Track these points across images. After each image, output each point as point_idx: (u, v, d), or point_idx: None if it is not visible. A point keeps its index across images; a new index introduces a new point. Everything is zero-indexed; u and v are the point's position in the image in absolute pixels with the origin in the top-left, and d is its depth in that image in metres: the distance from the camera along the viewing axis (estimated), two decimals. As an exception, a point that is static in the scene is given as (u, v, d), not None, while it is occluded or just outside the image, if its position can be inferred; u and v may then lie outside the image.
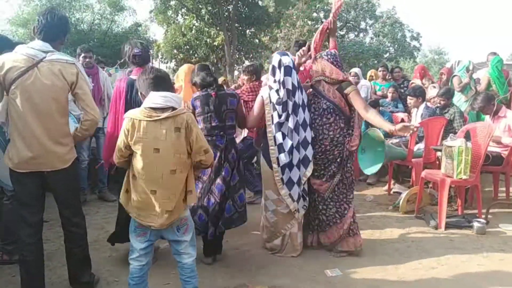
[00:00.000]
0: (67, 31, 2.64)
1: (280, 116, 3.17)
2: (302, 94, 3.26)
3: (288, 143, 3.16)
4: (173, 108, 2.22)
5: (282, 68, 3.18)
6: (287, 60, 3.21)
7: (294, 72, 3.22)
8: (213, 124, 3.10)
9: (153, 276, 2.87)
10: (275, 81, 3.21)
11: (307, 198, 3.35)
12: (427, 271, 3.10)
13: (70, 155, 2.59)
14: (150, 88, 2.28)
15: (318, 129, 3.33)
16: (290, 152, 3.17)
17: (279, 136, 3.18)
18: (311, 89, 3.46)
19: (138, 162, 2.21)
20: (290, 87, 3.17)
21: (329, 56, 3.37)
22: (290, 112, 3.17)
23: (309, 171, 3.27)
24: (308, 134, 3.25)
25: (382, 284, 2.91)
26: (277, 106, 3.17)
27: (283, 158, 3.17)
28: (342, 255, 3.35)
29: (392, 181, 5.42)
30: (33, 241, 2.53)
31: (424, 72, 7.33)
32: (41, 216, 2.61)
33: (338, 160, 3.32)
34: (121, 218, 3.07)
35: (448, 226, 3.93)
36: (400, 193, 4.88)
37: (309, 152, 3.25)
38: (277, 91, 3.18)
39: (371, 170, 4.80)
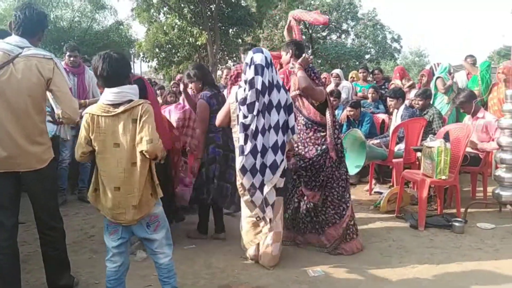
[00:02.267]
0: (45, 27, 2.56)
1: (245, 117, 2.90)
2: (280, 93, 2.98)
3: (248, 146, 2.86)
4: (130, 100, 2.20)
5: (252, 67, 2.90)
6: (259, 58, 2.92)
7: (266, 70, 2.92)
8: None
9: (134, 278, 2.83)
10: (243, 80, 2.99)
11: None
12: (408, 270, 3.13)
13: (47, 155, 2.51)
14: (104, 86, 2.23)
15: (303, 142, 3.44)
16: (254, 155, 2.87)
17: (241, 137, 2.90)
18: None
19: (100, 159, 2.20)
20: (259, 86, 2.87)
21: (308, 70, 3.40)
22: (256, 113, 2.87)
23: (276, 178, 2.96)
24: (280, 139, 2.97)
25: (364, 283, 2.93)
26: (241, 106, 2.92)
27: (240, 161, 2.89)
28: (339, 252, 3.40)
29: (373, 181, 5.48)
30: (7, 245, 2.44)
31: (403, 73, 7.44)
32: (16, 219, 2.52)
33: (324, 168, 3.39)
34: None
35: (428, 225, 3.99)
36: (381, 193, 4.93)
37: (279, 157, 2.95)
38: (244, 90, 2.94)
39: (352, 170, 4.85)
